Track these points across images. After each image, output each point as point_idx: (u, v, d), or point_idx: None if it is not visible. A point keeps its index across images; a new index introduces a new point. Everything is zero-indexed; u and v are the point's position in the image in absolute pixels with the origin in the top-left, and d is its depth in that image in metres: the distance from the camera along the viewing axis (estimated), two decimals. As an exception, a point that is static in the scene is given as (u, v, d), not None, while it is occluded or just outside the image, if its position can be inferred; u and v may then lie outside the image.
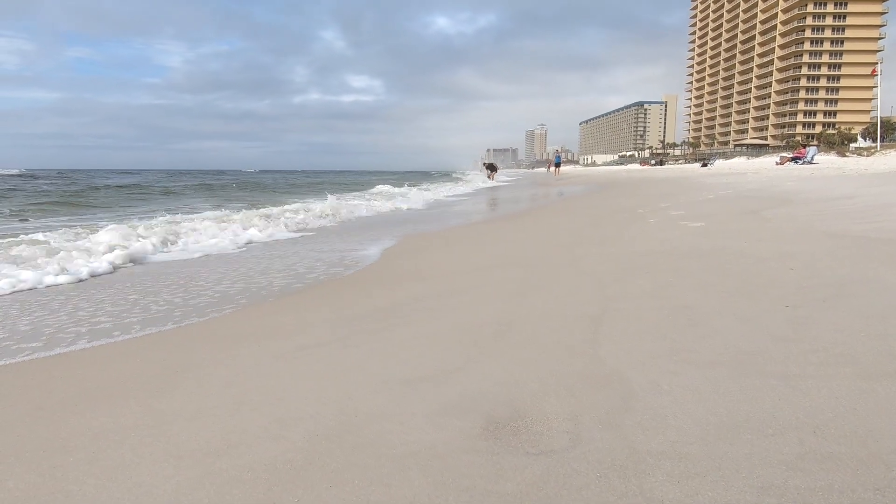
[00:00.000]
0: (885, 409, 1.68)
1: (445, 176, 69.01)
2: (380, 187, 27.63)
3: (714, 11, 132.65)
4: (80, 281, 5.02)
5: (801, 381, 1.91)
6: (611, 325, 2.79)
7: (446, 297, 3.87)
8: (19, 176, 54.15)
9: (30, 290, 4.65)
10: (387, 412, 1.96)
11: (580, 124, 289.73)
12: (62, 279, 4.94)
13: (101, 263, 5.61)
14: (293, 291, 4.49)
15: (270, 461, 1.66)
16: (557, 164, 57.79)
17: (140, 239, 7.02)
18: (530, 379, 2.15)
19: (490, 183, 35.47)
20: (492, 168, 45.04)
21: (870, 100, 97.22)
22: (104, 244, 6.45)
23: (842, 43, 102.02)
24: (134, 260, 6.08)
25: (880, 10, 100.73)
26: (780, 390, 1.85)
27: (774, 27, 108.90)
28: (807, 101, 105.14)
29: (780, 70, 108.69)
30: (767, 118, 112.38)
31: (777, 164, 36.00)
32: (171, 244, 7.19)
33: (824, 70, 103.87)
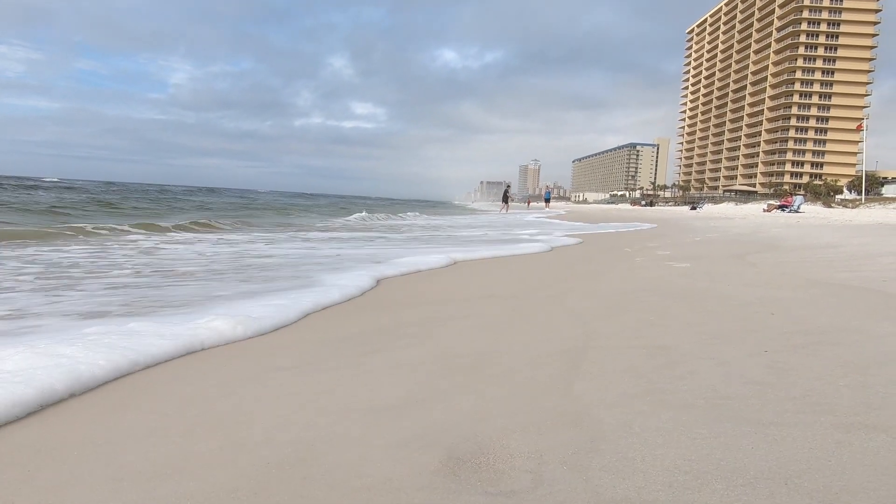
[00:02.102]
0: (860, 462, 1.62)
1: (477, 209, 67.43)
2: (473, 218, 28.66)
3: (707, 60, 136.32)
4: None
5: (775, 429, 1.85)
6: (589, 362, 2.73)
7: (429, 326, 3.80)
8: (65, 185, 55.45)
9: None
10: (347, 442, 1.87)
11: (573, 162, 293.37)
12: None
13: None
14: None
15: (215, 489, 1.56)
16: (547, 200, 58.57)
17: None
18: (499, 414, 2.08)
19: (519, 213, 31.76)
20: (506, 198, 40.33)
21: (855, 154, 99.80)
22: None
23: (830, 97, 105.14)
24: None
25: (867, 69, 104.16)
26: (752, 438, 1.79)
27: (765, 78, 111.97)
28: (795, 151, 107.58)
29: (769, 120, 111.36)
30: (756, 166, 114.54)
31: (764, 210, 36.55)
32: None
33: (813, 122, 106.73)
